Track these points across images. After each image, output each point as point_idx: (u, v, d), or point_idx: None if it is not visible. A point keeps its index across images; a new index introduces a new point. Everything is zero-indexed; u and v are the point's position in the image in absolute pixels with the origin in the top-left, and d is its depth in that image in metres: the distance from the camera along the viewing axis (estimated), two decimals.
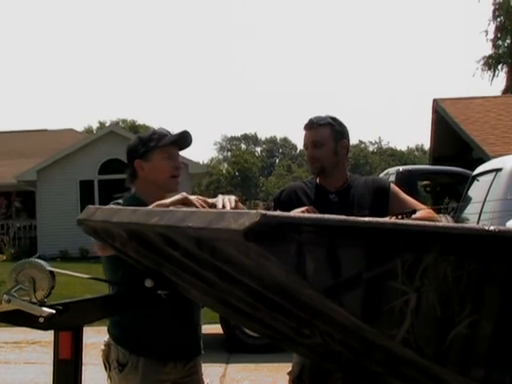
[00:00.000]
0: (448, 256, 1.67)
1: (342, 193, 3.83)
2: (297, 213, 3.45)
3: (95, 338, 5.47)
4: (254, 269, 1.74)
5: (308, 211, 3.40)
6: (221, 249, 1.79)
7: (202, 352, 3.58)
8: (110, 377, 3.46)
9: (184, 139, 3.57)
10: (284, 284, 1.71)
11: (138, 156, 3.50)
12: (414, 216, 3.58)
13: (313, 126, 3.91)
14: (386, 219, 1.69)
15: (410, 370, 1.93)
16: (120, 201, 3.47)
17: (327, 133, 3.88)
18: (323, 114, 3.96)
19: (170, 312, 3.30)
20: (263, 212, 1.54)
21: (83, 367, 2.67)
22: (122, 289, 2.84)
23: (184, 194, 2.82)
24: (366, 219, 1.61)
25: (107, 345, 3.42)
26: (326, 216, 1.62)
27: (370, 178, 4.03)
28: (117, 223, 2.28)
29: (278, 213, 1.58)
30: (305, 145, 3.97)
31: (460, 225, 1.79)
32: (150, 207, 2.62)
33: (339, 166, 3.92)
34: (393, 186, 3.97)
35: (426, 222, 1.72)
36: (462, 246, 1.68)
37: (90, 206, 2.66)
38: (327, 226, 1.58)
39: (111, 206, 2.86)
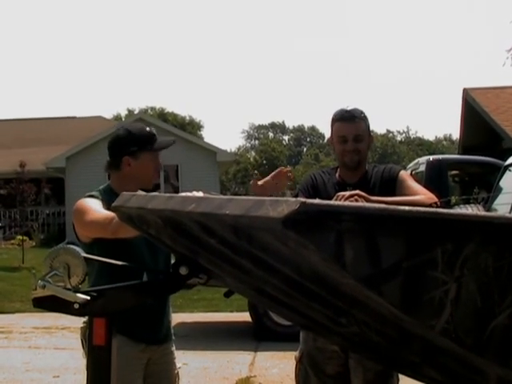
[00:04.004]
0: (489, 246, 1.65)
1: (360, 185, 3.82)
2: (340, 195, 3.48)
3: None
4: (292, 257, 1.73)
5: (352, 196, 3.44)
6: (258, 237, 1.77)
7: (173, 337, 3.86)
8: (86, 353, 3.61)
9: (168, 147, 3.85)
10: (322, 273, 1.69)
11: (129, 153, 3.72)
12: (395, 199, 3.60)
13: (354, 119, 3.90)
14: (426, 208, 1.66)
15: (448, 361, 1.91)
16: (94, 193, 3.72)
17: (365, 127, 3.96)
18: (351, 107, 3.96)
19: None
20: (303, 200, 1.52)
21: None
22: (156, 276, 2.84)
23: None
24: (407, 208, 1.59)
25: (86, 323, 3.53)
26: (367, 205, 1.61)
27: (386, 168, 4.05)
28: (152, 210, 2.27)
29: (317, 201, 1.56)
30: (342, 137, 3.93)
31: (501, 215, 1.77)
32: None
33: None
34: (402, 173, 3.96)
35: (468, 212, 1.70)
36: (503, 236, 1.65)
37: (125, 193, 2.66)
38: (367, 214, 1.56)
39: (134, 193, 2.85)
